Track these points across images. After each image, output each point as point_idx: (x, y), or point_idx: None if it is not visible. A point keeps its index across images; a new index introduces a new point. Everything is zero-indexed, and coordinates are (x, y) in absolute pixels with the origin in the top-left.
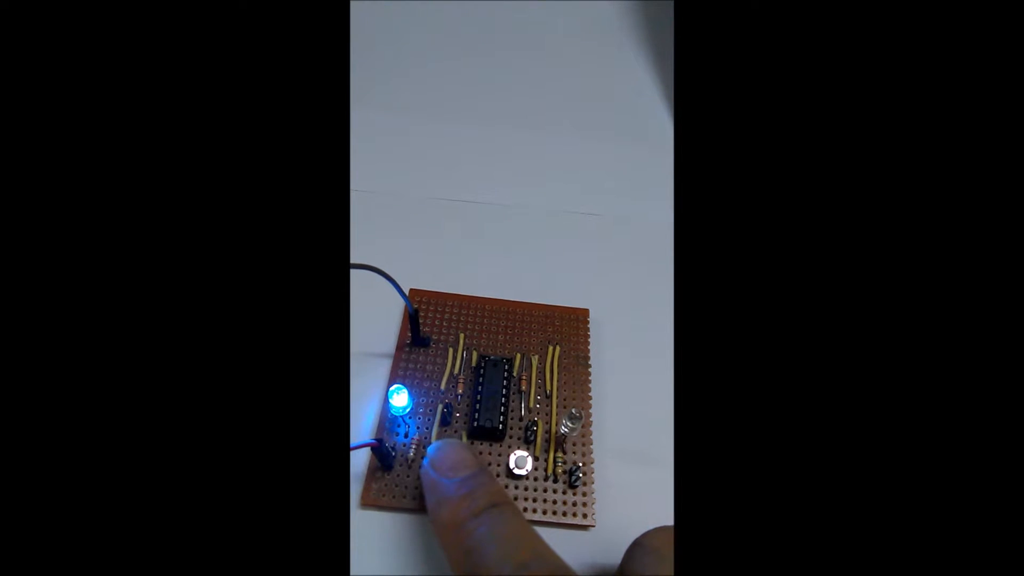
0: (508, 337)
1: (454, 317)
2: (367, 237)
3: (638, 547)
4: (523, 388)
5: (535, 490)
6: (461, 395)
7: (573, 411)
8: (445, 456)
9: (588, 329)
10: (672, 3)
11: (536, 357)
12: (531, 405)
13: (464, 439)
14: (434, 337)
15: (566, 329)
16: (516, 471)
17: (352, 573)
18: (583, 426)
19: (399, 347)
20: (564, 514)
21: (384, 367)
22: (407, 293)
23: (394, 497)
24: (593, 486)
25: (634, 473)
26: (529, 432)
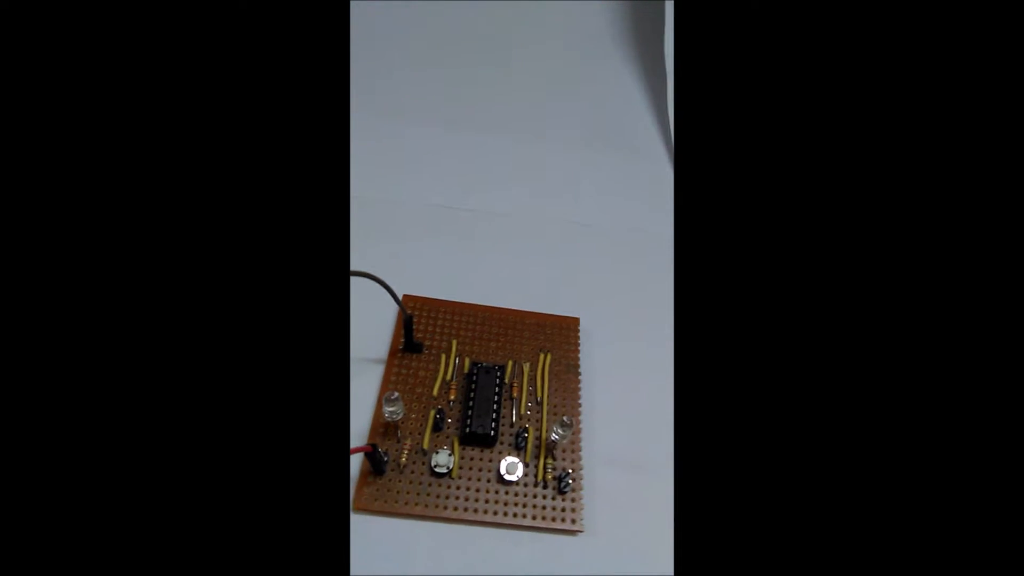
0: (500, 344)
1: (447, 323)
2: (362, 243)
3: None
4: (515, 395)
5: (525, 495)
6: (453, 401)
7: (564, 419)
8: None
9: (578, 337)
10: (664, 21)
11: (527, 364)
12: (522, 412)
13: (456, 445)
14: (427, 343)
15: (557, 337)
16: (507, 477)
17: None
18: (573, 433)
19: (392, 352)
20: (553, 519)
21: (377, 372)
22: (401, 299)
23: (386, 502)
24: (582, 492)
25: (622, 479)
26: (520, 439)
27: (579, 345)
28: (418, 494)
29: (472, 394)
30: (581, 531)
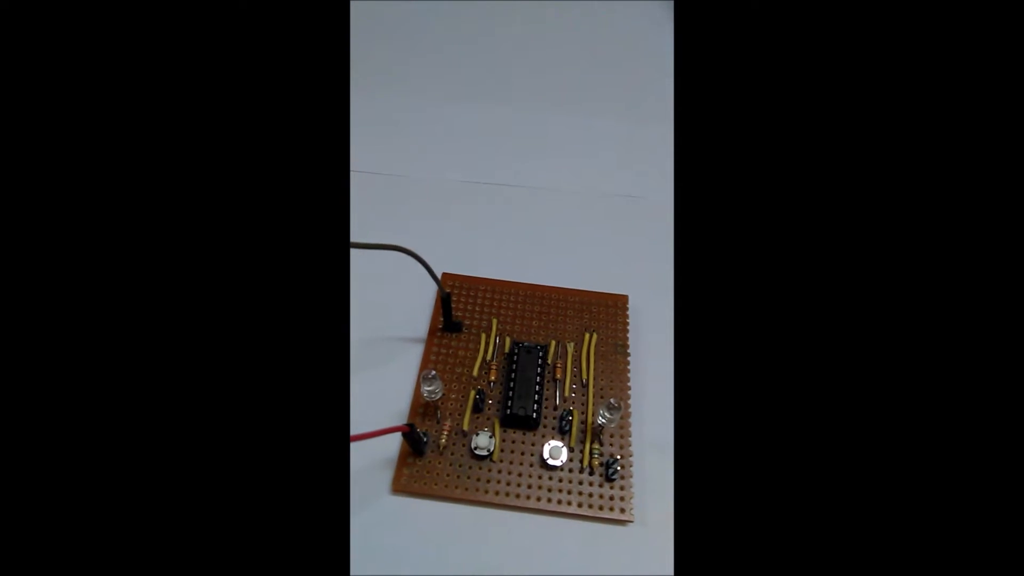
0: (543, 323)
1: (487, 302)
2: (400, 220)
3: None
4: (558, 376)
5: (570, 482)
6: (494, 382)
7: (612, 401)
8: None
9: (627, 316)
10: None
11: (572, 344)
12: (566, 394)
13: (497, 427)
14: (467, 322)
15: (604, 316)
16: (550, 461)
17: (382, 558)
18: (621, 417)
19: (431, 332)
20: (600, 508)
21: (416, 352)
22: (439, 277)
23: (425, 483)
24: (631, 480)
25: (674, 467)
26: (564, 422)
27: (628, 324)
28: (458, 477)
29: (513, 375)
30: (631, 521)
